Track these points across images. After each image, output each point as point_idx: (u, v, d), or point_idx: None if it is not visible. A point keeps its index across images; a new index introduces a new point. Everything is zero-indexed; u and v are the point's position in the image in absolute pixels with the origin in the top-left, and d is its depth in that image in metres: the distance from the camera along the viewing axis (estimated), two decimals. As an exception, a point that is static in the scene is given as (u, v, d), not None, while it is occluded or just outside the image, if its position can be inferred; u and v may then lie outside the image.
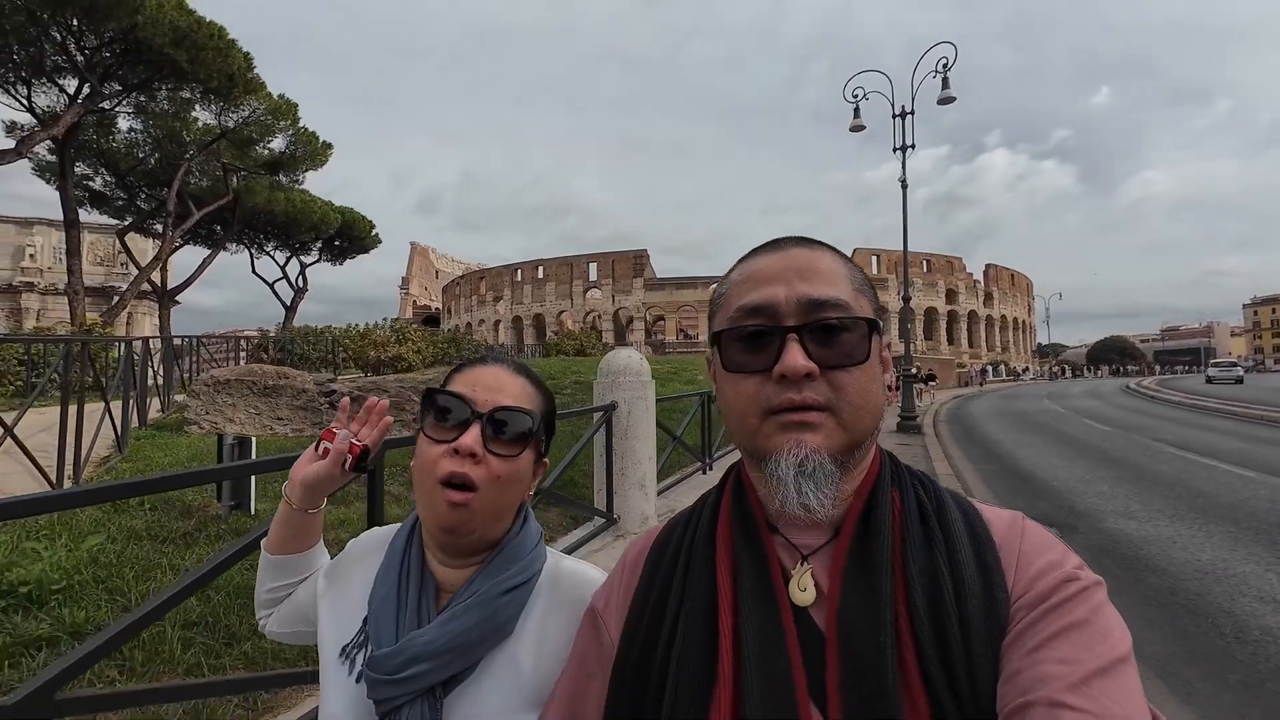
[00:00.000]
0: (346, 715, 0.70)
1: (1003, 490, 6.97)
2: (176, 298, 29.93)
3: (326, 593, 0.81)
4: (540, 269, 60.79)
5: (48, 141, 20.95)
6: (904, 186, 12.72)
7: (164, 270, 28.86)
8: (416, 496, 0.73)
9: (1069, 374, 63.07)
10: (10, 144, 19.90)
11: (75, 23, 16.96)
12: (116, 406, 6.15)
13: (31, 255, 42.70)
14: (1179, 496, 6.28)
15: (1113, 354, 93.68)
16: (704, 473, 6.13)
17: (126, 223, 29.58)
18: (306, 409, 6.57)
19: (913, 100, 12.57)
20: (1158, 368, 73.43)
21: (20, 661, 2.33)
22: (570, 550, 3.25)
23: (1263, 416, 14.26)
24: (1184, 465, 8.22)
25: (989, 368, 46.05)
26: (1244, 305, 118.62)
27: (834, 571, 0.54)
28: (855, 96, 12.92)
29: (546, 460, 0.80)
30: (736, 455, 0.64)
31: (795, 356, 0.54)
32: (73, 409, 4.70)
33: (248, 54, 19.18)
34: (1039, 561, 0.51)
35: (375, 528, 0.86)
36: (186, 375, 12.87)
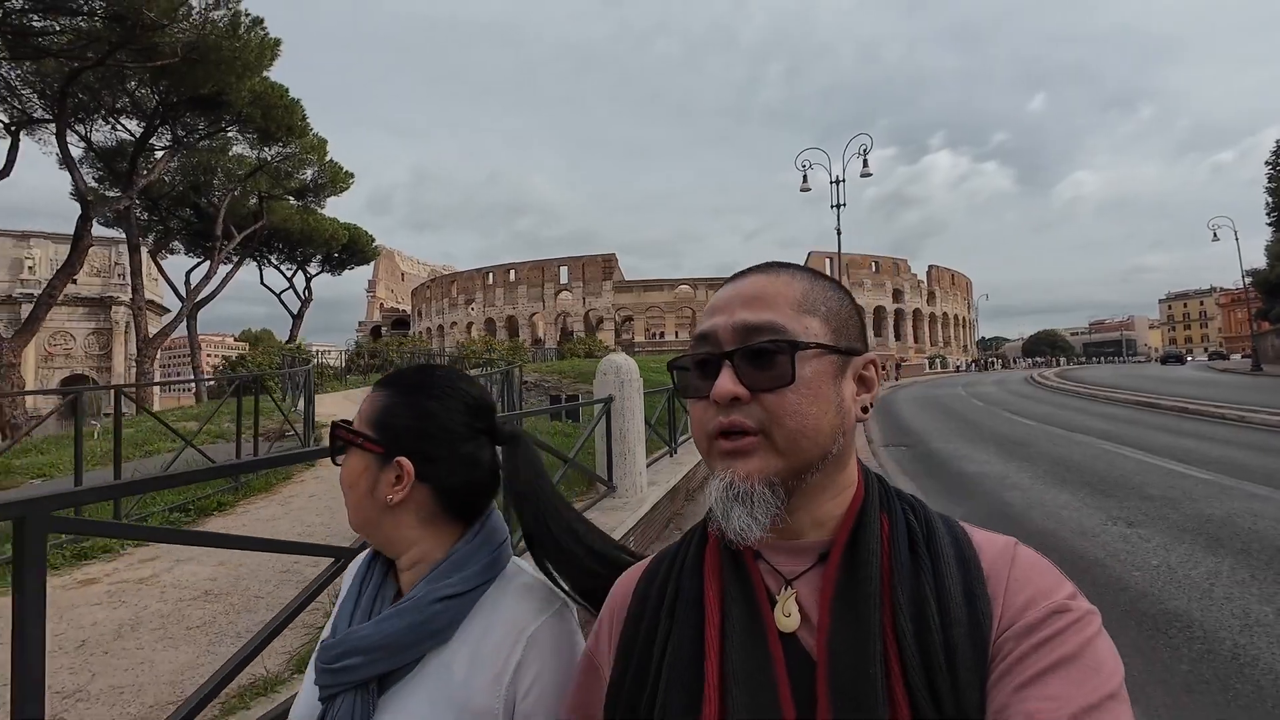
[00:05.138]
0: (308, 700, 0.75)
1: (888, 432, 11.81)
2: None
3: (339, 598, 0.85)
4: (512, 272, 63.74)
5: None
6: (839, 234, 17.61)
7: (186, 283, 31.74)
8: None
9: (998, 365, 70.37)
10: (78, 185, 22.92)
11: (164, 83, 20.17)
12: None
13: (30, 268, 44.24)
14: (986, 437, 11.13)
15: (1045, 346, 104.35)
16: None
17: (151, 241, 32.21)
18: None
19: (843, 171, 17.49)
20: (1062, 359, 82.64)
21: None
22: (667, 449, 7.36)
23: (1093, 395, 19.86)
24: (1005, 421, 13.34)
25: (900, 363, 47.16)
26: (1160, 300, 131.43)
27: (823, 599, 0.53)
28: (803, 166, 17.74)
29: (401, 460, 0.76)
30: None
31: (722, 381, 0.55)
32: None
33: (302, 107, 22.73)
34: (1028, 590, 0.50)
35: None
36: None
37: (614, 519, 4.76)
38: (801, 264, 0.63)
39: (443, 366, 0.86)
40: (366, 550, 0.86)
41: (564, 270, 62.23)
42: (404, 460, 0.76)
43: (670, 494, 5.79)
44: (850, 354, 0.58)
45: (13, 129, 19.90)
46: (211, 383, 20.13)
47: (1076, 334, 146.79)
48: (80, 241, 18.45)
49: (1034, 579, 0.51)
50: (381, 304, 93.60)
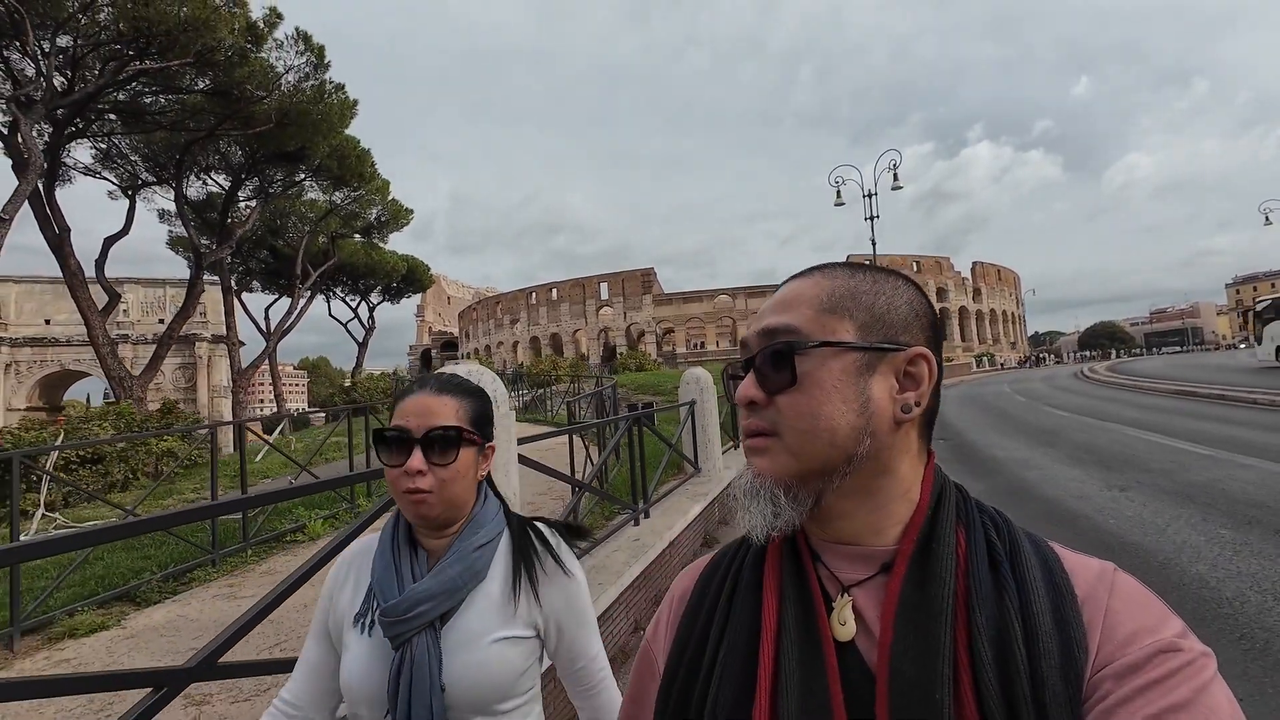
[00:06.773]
0: (363, 659, 0.95)
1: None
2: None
3: (343, 588, 1.04)
4: (554, 290, 65.57)
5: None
6: (874, 244, 18.63)
7: (265, 319, 34.75)
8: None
9: (1050, 360, 68.76)
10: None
11: (254, 143, 22.75)
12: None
13: (125, 311, 48.28)
14: (1020, 429, 11.99)
15: (1103, 339, 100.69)
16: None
17: (234, 281, 35.42)
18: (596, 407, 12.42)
19: (875, 184, 18.55)
20: (1115, 352, 79.72)
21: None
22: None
23: (1137, 386, 20.16)
24: (1042, 414, 14.14)
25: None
26: (1226, 285, 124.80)
27: (885, 611, 0.51)
28: (837, 182, 18.85)
29: (492, 444, 1.04)
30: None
31: (741, 387, 0.57)
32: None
33: (371, 155, 25.11)
34: (1130, 624, 0.46)
35: (358, 538, 1.12)
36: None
37: (702, 489, 5.94)
38: (858, 263, 0.61)
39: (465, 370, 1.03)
40: (361, 546, 1.06)
41: (604, 286, 63.54)
42: (491, 444, 1.05)
43: (740, 475, 7.40)
44: (885, 350, 0.55)
45: (129, 192, 22.78)
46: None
47: (1136, 324, 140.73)
48: (194, 288, 20.99)
49: (1136, 611, 0.47)
50: (430, 327, 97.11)
